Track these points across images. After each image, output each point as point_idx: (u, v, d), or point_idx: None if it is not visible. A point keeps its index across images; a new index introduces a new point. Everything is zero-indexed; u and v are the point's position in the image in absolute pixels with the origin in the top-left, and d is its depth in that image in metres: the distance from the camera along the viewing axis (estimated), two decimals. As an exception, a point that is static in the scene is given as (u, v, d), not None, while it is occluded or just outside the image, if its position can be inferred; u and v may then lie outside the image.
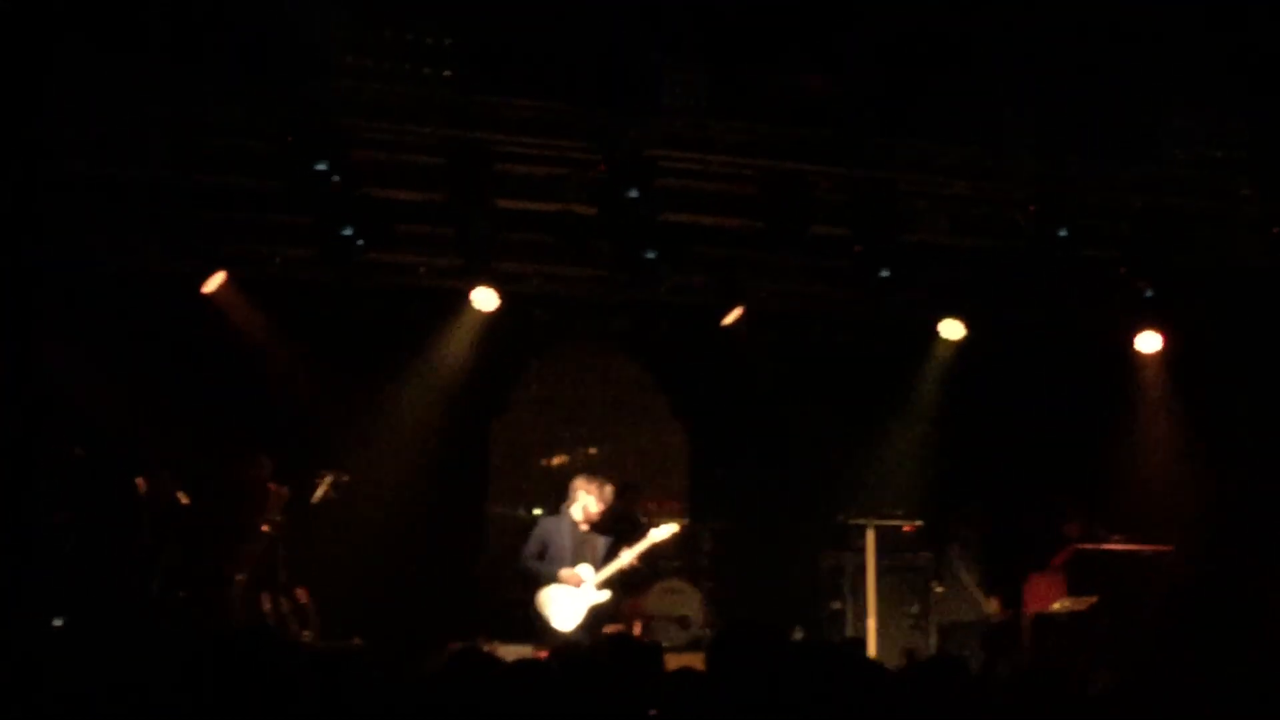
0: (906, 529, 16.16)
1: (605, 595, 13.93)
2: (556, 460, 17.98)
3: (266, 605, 14.70)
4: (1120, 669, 14.07)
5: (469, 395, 17.19)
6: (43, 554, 13.97)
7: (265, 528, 14.77)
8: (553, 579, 13.77)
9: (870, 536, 15.84)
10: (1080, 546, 16.01)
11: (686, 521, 17.46)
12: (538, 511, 16.62)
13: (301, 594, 15.18)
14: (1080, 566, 15.92)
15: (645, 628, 15.27)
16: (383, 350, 16.70)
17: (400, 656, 15.76)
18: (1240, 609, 14.57)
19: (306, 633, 15.10)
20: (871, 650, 15.04)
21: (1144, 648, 13.39)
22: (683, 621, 15.41)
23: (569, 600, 13.84)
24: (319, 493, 15.16)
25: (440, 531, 16.84)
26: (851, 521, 16.05)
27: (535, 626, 13.85)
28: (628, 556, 14.12)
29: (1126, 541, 16.07)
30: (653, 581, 15.60)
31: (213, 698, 3.35)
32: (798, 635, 14.86)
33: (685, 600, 15.59)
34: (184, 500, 14.85)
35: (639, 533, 15.37)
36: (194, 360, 15.89)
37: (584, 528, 13.93)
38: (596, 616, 13.80)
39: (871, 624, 15.60)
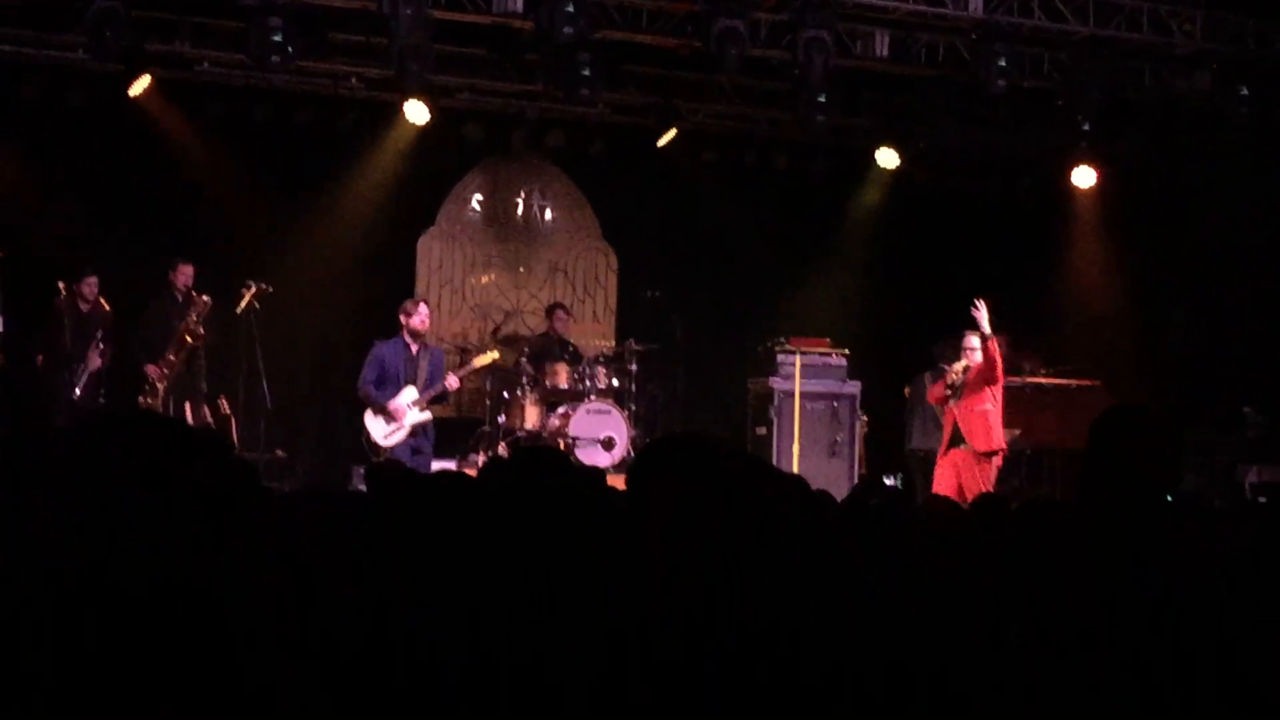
0: (835, 357, 16.12)
1: (427, 415, 13.95)
2: (485, 279, 17.81)
3: (188, 414, 14.58)
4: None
5: (398, 209, 17.00)
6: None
7: (188, 336, 14.60)
8: (382, 408, 13.80)
9: (798, 363, 15.80)
10: (1007, 380, 16.04)
11: (612, 343, 17.45)
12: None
13: (223, 404, 15.08)
14: (1007, 400, 15.98)
15: (569, 449, 15.24)
16: (312, 161, 16.47)
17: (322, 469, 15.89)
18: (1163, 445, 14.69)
19: (227, 443, 15.01)
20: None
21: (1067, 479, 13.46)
22: (607, 443, 15.37)
23: (394, 418, 13.87)
24: (243, 303, 14.97)
25: (365, 346, 16.74)
26: (779, 348, 15.99)
27: (361, 441, 13.96)
28: (451, 379, 14.10)
29: (1055, 375, 16.14)
30: (578, 403, 15.55)
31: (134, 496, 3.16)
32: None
33: (610, 422, 15.53)
34: (106, 306, 14.68)
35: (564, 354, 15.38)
36: (120, 164, 15.67)
37: (414, 349, 13.95)
38: (416, 432, 13.88)
39: (796, 450, 15.60)
